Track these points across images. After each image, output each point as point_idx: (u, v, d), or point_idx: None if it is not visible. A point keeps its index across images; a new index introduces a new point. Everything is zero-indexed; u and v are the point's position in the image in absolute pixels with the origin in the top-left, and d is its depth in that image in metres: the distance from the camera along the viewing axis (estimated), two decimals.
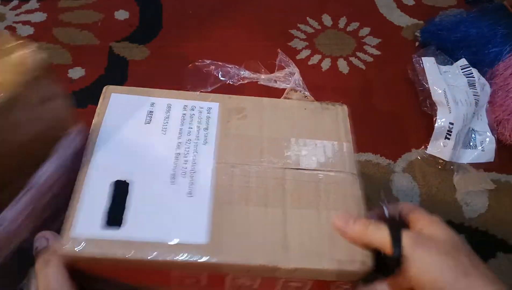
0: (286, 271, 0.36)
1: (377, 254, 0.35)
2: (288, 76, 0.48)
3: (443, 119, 0.54)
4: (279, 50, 0.45)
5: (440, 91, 0.57)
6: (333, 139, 0.44)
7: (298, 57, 0.66)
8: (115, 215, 0.36)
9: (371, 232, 0.35)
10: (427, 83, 0.59)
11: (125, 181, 0.38)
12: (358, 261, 0.36)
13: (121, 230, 0.36)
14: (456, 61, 0.62)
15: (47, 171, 0.39)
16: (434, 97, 0.58)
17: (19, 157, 0.36)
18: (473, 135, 0.58)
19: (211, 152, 0.41)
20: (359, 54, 0.69)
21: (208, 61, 0.53)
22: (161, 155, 0.40)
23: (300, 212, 0.38)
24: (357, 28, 0.73)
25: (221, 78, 0.49)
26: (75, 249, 0.34)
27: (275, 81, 0.48)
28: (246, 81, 0.50)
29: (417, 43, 0.70)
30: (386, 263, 0.34)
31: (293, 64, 0.47)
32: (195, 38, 0.69)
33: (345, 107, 0.47)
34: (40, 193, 0.39)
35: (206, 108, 0.44)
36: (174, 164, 0.39)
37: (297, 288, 0.38)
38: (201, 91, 0.49)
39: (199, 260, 0.35)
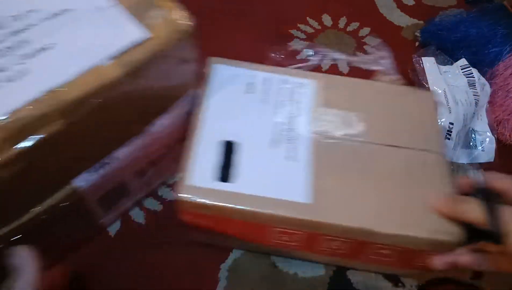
0: (381, 236, 0.38)
1: (468, 226, 0.36)
2: (379, 59, 0.51)
3: (443, 119, 0.54)
4: (374, 36, 0.47)
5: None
6: (423, 119, 0.46)
7: (298, 57, 0.66)
8: (224, 171, 0.40)
9: (465, 208, 0.35)
10: (427, 83, 0.59)
11: (233, 141, 0.42)
12: (451, 232, 0.38)
13: (231, 184, 0.39)
14: (456, 61, 0.62)
15: (162, 124, 0.43)
16: None
17: (148, 103, 0.40)
18: (473, 135, 0.58)
19: (307, 123, 0.44)
20: (359, 54, 0.69)
21: (302, 41, 0.59)
22: (262, 122, 0.44)
23: (394, 184, 0.41)
24: (357, 28, 0.72)
25: (312, 58, 0.56)
26: (192, 196, 0.38)
27: (367, 63, 0.53)
28: (336, 62, 0.55)
29: (417, 43, 0.70)
30: (481, 236, 0.35)
31: (387, 49, 0.50)
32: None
33: (431, 93, 0.51)
34: (150, 141, 0.43)
35: (300, 83, 0.48)
36: (275, 130, 0.43)
37: (385, 255, 0.41)
38: (292, 68, 0.52)
39: (303, 217, 0.38)
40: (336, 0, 0.76)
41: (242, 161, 0.41)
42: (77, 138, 0.35)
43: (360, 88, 0.48)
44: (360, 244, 0.40)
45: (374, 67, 0.51)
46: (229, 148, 0.42)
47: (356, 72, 0.66)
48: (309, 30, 0.71)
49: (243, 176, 0.40)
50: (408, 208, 0.39)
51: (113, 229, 0.49)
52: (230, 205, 0.38)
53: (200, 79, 0.47)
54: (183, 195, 0.38)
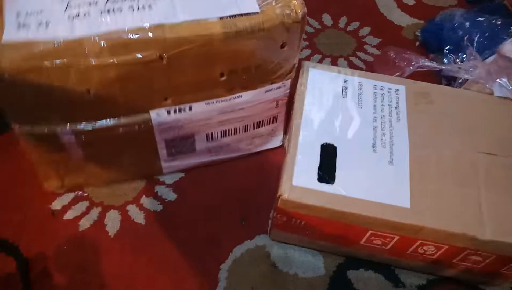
0: (481, 242, 0.38)
1: None
2: (471, 68, 0.51)
3: None
4: (467, 43, 0.50)
5: None
6: None
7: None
8: (327, 173, 0.41)
9: None
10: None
11: (333, 144, 0.43)
12: None
13: (333, 186, 0.40)
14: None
15: (246, 99, 0.46)
16: None
17: (237, 72, 0.43)
18: None
19: (404, 129, 0.45)
20: (359, 53, 0.69)
21: (392, 51, 0.61)
22: (361, 126, 0.44)
23: (496, 195, 0.40)
24: (357, 28, 0.72)
25: (404, 66, 0.56)
26: (295, 196, 0.39)
27: (457, 71, 0.52)
28: (425, 69, 0.56)
29: (417, 43, 0.70)
30: None
31: (479, 58, 0.51)
32: None
33: None
34: (229, 110, 0.46)
35: (394, 89, 0.48)
36: (373, 134, 0.44)
37: (476, 261, 0.41)
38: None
39: (402, 221, 0.38)
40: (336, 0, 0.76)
41: (344, 164, 0.41)
42: (167, 73, 0.40)
43: (452, 96, 0.49)
44: (457, 249, 0.40)
45: (466, 76, 0.50)
46: (330, 151, 0.43)
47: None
48: (309, 29, 0.71)
49: (344, 178, 0.40)
50: (510, 215, 0.39)
51: (112, 229, 0.49)
52: (333, 207, 0.39)
53: (295, 75, 0.48)
54: (290, 195, 0.39)
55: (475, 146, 0.44)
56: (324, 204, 0.39)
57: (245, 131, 0.51)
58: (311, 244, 0.47)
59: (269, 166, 0.54)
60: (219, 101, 0.45)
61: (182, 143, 0.48)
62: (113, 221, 0.49)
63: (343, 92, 0.47)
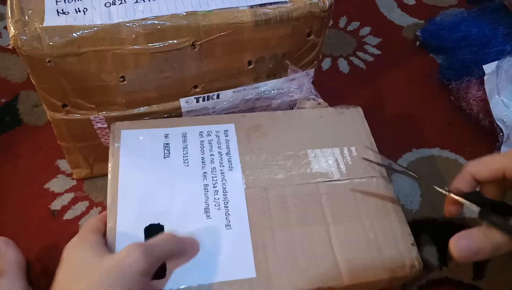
0: (342, 288, 0.35)
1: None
2: (299, 86, 0.47)
3: None
4: (287, 62, 0.45)
5: None
6: (356, 143, 0.43)
7: None
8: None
9: (489, 242, 0.29)
10: None
11: (158, 223, 0.35)
12: (408, 265, 0.36)
13: (167, 281, 0.33)
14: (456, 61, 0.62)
15: (269, 88, 0.46)
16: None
17: (262, 59, 0.44)
18: None
19: (239, 178, 0.39)
20: (359, 53, 0.69)
21: None
22: (190, 189, 0.38)
23: (343, 226, 0.37)
24: (357, 28, 0.72)
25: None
26: None
27: (288, 94, 0.48)
28: (257, 97, 0.48)
29: (417, 43, 0.70)
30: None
31: (302, 73, 0.47)
32: None
33: (359, 109, 0.46)
34: (252, 96, 0.47)
35: (222, 131, 0.42)
36: (205, 196, 0.38)
37: None
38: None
39: None
40: None
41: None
42: (198, 61, 0.41)
43: (285, 121, 0.44)
44: None
45: (296, 96, 0.47)
46: (155, 232, 0.35)
47: (358, 71, 0.66)
48: None
49: (177, 268, 0.34)
50: (364, 248, 0.36)
51: None
52: None
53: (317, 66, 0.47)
54: None
55: (313, 175, 0.40)
56: None
57: None
58: None
59: None
60: (245, 89, 0.46)
61: None
62: None
63: (165, 151, 0.40)
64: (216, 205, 0.37)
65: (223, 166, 0.40)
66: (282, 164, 0.41)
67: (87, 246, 0.32)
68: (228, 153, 0.41)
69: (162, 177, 0.38)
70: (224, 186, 0.38)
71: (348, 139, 0.43)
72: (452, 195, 0.32)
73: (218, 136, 0.42)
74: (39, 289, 0.42)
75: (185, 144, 0.41)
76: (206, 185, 0.38)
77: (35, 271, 0.45)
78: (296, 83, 0.47)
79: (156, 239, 0.32)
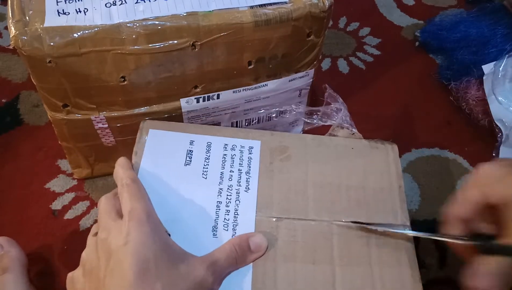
0: None
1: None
2: (335, 112, 0.46)
3: None
4: (326, 85, 0.45)
5: None
6: (384, 184, 0.40)
7: None
8: None
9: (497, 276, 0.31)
10: None
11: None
12: None
13: None
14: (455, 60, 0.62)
15: (270, 88, 0.47)
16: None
17: (263, 60, 0.44)
18: None
19: (253, 202, 0.38)
20: (359, 54, 0.69)
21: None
22: (202, 204, 0.37)
23: (350, 269, 0.35)
24: (357, 28, 0.73)
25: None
26: None
27: (321, 117, 0.46)
28: (288, 115, 0.50)
29: (417, 43, 0.70)
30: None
31: (341, 99, 0.46)
32: None
33: (395, 147, 0.44)
34: (254, 98, 0.47)
35: (247, 148, 0.42)
36: (216, 214, 0.37)
37: None
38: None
39: None
40: (336, 0, 0.76)
41: None
42: (198, 61, 0.41)
43: (314, 147, 0.42)
44: None
45: (330, 122, 0.45)
46: None
47: (357, 72, 0.66)
48: None
49: None
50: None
51: None
52: None
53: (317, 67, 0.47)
54: None
55: (331, 213, 0.38)
56: None
57: (268, 120, 0.52)
58: None
59: None
60: (245, 90, 0.46)
61: None
62: None
63: (187, 158, 0.40)
64: (225, 225, 0.37)
65: (239, 185, 0.39)
66: (301, 196, 0.39)
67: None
68: (248, 172, 0.40)
69: (178, 184, 0.38)
70: (236, 207, 0.38)
71: (377, 179, 0.41)
72: (449, 240, 0.34)
73: (241, 152, 0.41)
74: (39, 288, 0.42)
75: (208, 154, 0.40)
76: (219, 202, 0.38)
77: (35, 271, 0.45)
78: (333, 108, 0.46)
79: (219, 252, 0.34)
